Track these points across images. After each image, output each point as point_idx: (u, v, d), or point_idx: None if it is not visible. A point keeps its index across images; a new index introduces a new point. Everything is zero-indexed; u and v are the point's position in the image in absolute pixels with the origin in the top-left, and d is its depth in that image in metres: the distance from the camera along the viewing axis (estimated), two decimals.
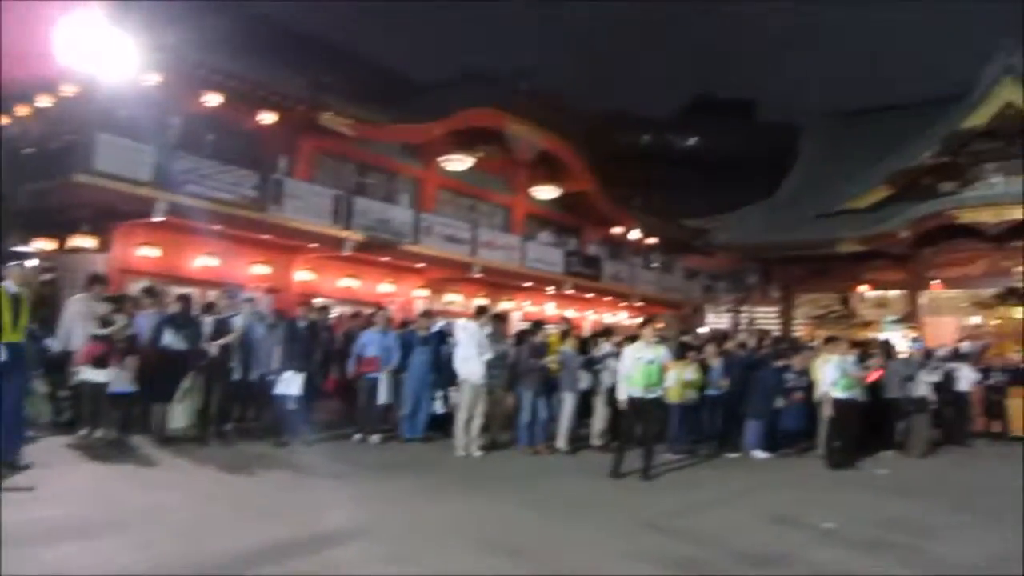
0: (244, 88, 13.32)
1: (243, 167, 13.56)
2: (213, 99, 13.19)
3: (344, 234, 14.99)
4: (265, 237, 14.17)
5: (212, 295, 10.47)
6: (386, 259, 16.34)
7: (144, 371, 8.25)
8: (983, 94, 22.37)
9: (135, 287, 13.06)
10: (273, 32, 17.45)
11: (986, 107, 22.31)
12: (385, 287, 17.29)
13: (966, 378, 13.36)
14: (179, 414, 8.62)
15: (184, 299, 9.28)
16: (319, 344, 10.13)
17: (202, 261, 13.98)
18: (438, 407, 10.38)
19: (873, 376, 11.39)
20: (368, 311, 11.86)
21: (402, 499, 7.02)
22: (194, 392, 8.67)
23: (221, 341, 8.81)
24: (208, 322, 8.91)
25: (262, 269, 14.90)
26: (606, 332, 11.29)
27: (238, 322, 9.06)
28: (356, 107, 15.21)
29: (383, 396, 9.86)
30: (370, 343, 9.88)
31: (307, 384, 9.08)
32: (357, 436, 9.80)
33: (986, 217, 19.81)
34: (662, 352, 8.81)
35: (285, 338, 9.30)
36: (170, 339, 8.46)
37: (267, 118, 14.16)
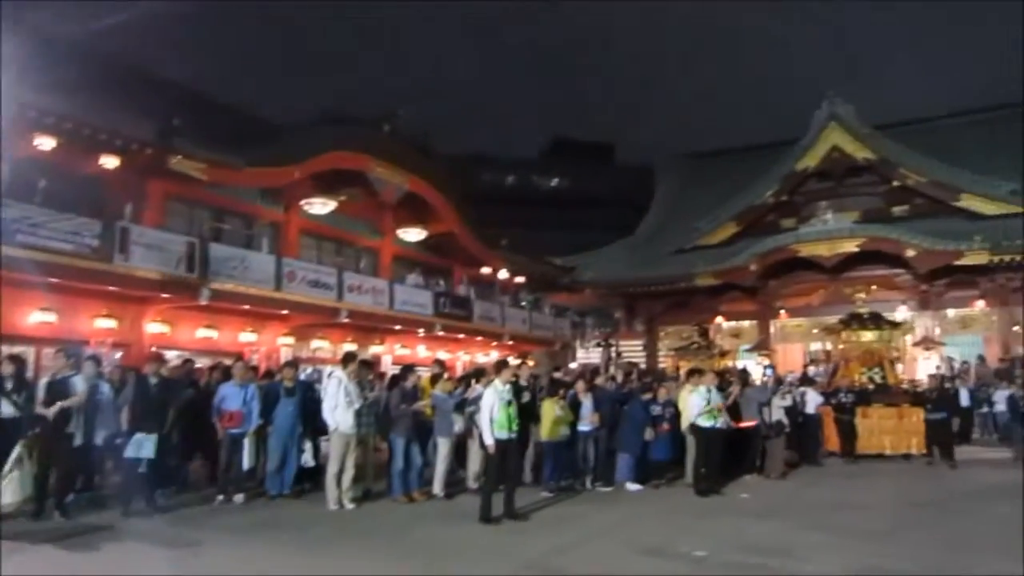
0: (82, 131, 12.43)
1: (84, 214, 12.59)
2: (45, 143, 12.26)
3: (199, 282, 14.22)
4: (110, 289, 13.18)
5: (49, 353, 9.55)
6: (247, 307, 15.63)
7: None
8: (813, 139, 24.55)
9: None
10: (121, 73, 16.55)
11: (816, 150, 24.51)
12: (247, 336, 16.52)
13: (812, 401, 14.27)
14: (10, 487, 7.71)
15: (15, 360, 8.44)
16: (172, 401, 9.46)
17: (37, 317, 12.83)
18: (307, 460, 9.95)
19: (741, 422, 11.91)
20: (228, 362, 11.29)
21: (264, 563, 6.60)
22: (27, 462, 7.81)
23: (59, 404, 8.02)
24: (42, 384, 8.11)
25: (107, 323, 13.85)
26: (479, 373, 11.21)
27: (78, 382, 8.31)
28: (210, 150, 14.57)
29: (247, 457, 9.32)
30: (229, 397, 9.35)
31: (160, 445, 8.43)
32: (219, 497, 9.20)
33: (822, 251, 21.48)
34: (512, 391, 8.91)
35: (134, 397, 8.61)
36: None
37: (111, 162, 13.29)
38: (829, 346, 23.67)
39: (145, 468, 8.32)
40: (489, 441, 8.42)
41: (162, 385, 8.88)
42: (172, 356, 13.26)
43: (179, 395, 9.35)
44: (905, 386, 16.11)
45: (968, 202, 22.35)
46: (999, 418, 15.66)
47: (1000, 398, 15.61)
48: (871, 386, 15.87)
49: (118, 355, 12.94)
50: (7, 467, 7.65)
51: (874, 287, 20.00)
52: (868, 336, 16.97)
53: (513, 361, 11.36)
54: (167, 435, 8.68)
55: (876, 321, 17.17)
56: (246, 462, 9.33)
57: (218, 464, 9.68)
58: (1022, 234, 19.92)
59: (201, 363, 13.04)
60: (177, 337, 15.13)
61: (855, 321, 17.19)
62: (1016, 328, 21.09)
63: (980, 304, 21.77)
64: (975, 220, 21.80)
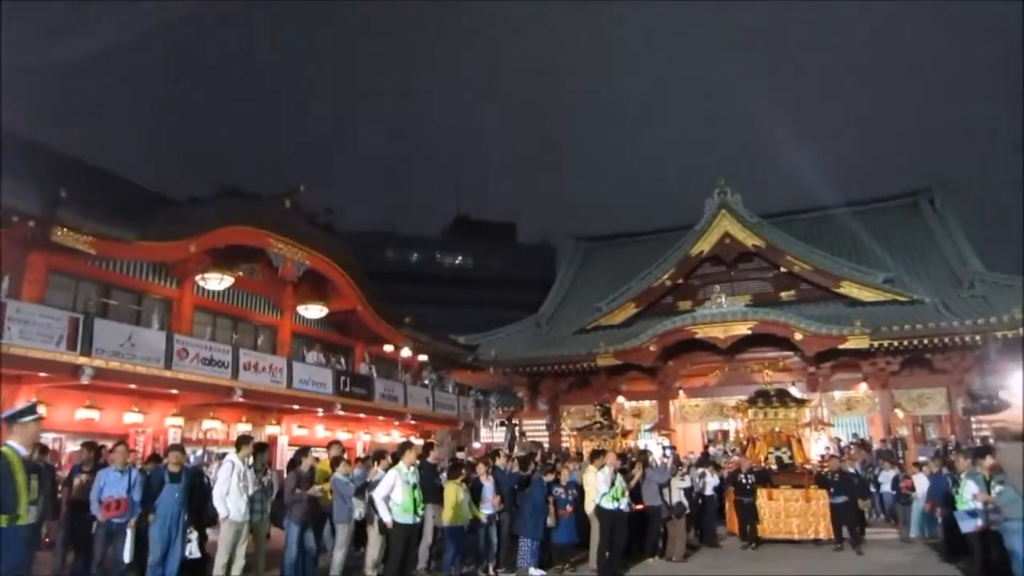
0: None
1: None
2: None
3: (82, 360, 13.41)
4: None
5: None
6: (134, 386, 14.80)
7: None
8: (706, 225, 25.84)
9: None
10: (1, 141, 15.78)
11: (709, 236, 25.77)
12: (132, 416, 15.58)
13: (710, 483, 14.43)
14: None
15: None
16: (49, 489, 8.74)
17: None
18: (192, 550, 9.32)
19: (640, 504, 11.94)
20: (108, 445, 10.57)
21: None
22: None
23: None
24: None
25: None
26: (380, 455, 10.90)
27: None
28: (97, 222, 13.98)
29: (127, 549, 8.66)
30: (110, 483, 8.72)
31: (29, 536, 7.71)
32: None
33: (716, 332, 22.26)
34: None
35: None
36: None
37: None
38: (727, 426, 24.47)
39: (8, 567, 7.58)
40: (387, 518, 8.22)
41: (29, 471, 8.19)
42: (48, 439, 12.38)
43: (51, 482, 8.63)
44: (808, 467, 15.66)
45: (848, 289, 23.83)
46: (885, 499, 15.92)
47: (886, 479, 15.85)
48: (774, 466, 15.53)
49: None
50: None
51: (767, 369, 20.59)
52: (775, 414, 16.54)
53: (417, 442, 11.15)
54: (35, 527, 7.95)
55: (783, 398, 16.79)
56: (127, 555, 8.66)
57: (91, 557, 8.96)
58: (899, 320, 21.31)
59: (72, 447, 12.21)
60: (54, 419, 14.12)
61: (761, 399, 16.87)
62: (897, 410, 22.28)
63: (863, 387, 22.93)
64: (855, 306, 23.22)
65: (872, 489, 16.02)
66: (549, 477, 11.50)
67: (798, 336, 21.27)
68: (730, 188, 26.01)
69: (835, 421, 22.36)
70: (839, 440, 20.93)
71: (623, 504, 10.88)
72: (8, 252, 13.30)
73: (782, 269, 25.13)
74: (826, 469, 14.45)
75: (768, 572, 11.35)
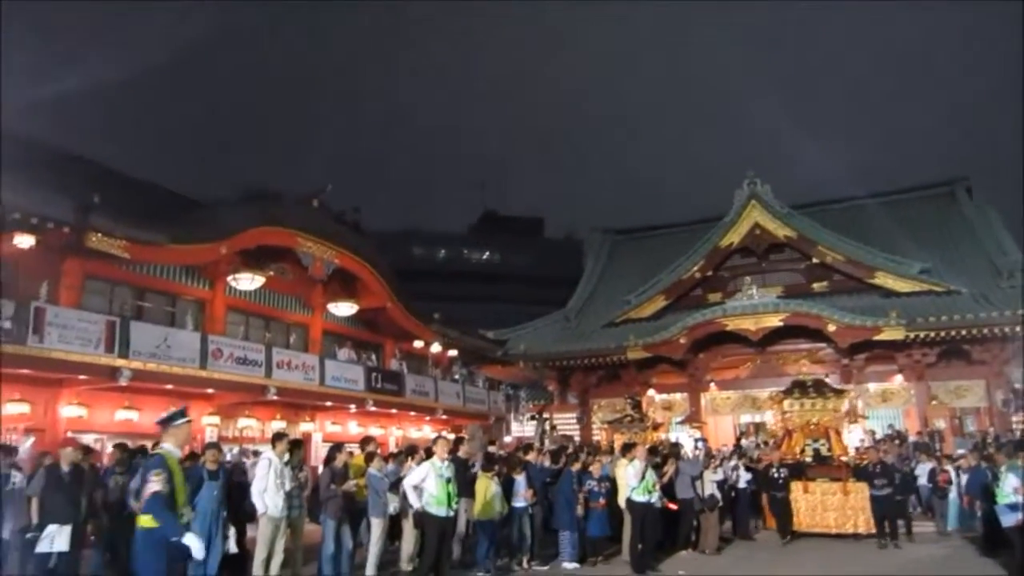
0: None
1: None
2: None
3: (120, 362, 13.69)
4: (23, 372, 12.56)
5: None
6: (170, 386, 15.07)
7: None
8: (735, 217, 25.54)
9: None
10: (37, 152, 16.13)
11: (739, 228, 25.46)
12: None
13: (743, 476, 14.24)
14: None
15: None
16: (85, 490, 8.94)
17: None
18: (231, 546, 9.48)
19: (672, 503, 11.91)
20: (147, 445, 10.78)
21: None
22: None
23: None
24: None
25: (19, 408, 13.13)
26: (412, 450, 11.01)
27: None
28: (131, 228, 14.25)
29: None
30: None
31: (74, 537, 7.93)
32: None
33: (747, 325, 21.96)
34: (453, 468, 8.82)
35: (45, 486, 8.12)
36: None
37: (24, 242, 12.83)
38: (759, 418, 24.25)
39: (56, 562, 7.80)
40: (416, 504, 8.41)
41: (75, 473, 8.41)
42: (90, 440, 12.65)
43: (94, 483, 8.84)
44: (845, 459, 14.84)
45: (882, 280, 23.38)
46: (921, 492, 15.59)
47: (922, 472, 15.55)
48: (809, 459, 15.18)
49: (30, 441, 12.24)
50: None
51: (804, 359, 20.11)
52: (812, 405, 15.93)
53: (449, 436, 11.24)
54: (81, 526, 8.17)
55: (820, 389, 16.13)
56: None
57: (130, 556, 9.15)
58: (935, 311, 20.92)
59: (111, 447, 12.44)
60: (95, 420, 14.45)
61: (798, 389, 16.25)
62: (933, 402, 21.90)
63: (899, 379, 22.54)
64: (890, 297, 22.81)
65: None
66: (576, 466, 11.50)
67: (831, 328, 20.96)
68: (759, 179, 25.69)
69: (869, 414, 22.01)
70: (873, 432, 20.65)
71: (654, 497, 10.88)
72: (45, 259, 13.63)
73: (814, 260, 24.75)
74: (866, 461, 14.07)
75: (799, 566, 11.24)
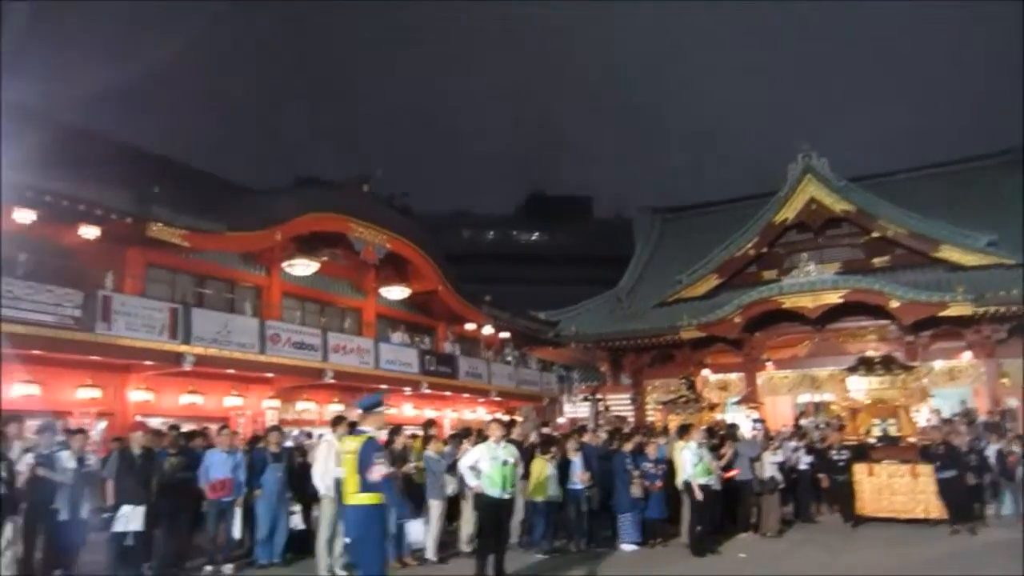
0: (59, 204, 12.38)
1: (64, 285, 12.49)
2: (25, 216, 12.21)
3: (183, 348, 14.08)
4: (93, 358, 13.02)
5: (31, 426, 9.31)
6: (231, 371, 15.45)
7: None
8: (790, 191, 24.92)
9: None
10: (93, 144, 16.57)
11: (793, 203, 24.86)
12: (232, 400, 16.29)
13: (803, 457, 13.96)
14: (6, 566, 7.47)
15: None
16: (156, 471, 9.19)
17: (20, 390, 12.61)
18: (297, 522, 9.74)
19: (725, 464, 11.79)
20: (213, 428, 11.08)
21: None
22: (15, 540, 7.58)
23: (43, 474, 7.79)
24: (27, 460, 7.88)
25: (91, 393, 13.64)
26: (465, 433, 11.08)
27: (65, 457, 8.10)
28: (189, 217, 14.58)
29: (236, 527, 9.12)
30: (216, 464, 9.15)
31: (147, 517, 8.20)
32: (208, 568, 8.94)
33: (805, 302, 21.46)
34: (513, 451, 8.77)
35: (119, 469, 8.41)
36: None
37: (89, 233, 13.25)
38: (818, 398, 23.77)
39: (132, 541, 8.09)
40: (472, 483, 8.43)
41: (146, 455, 8.68)
42: (156, 423, 13.04)
43: (163, 465, 9.08)
44: (914, 440, 14.25)
45: (948, 253, 22.57)
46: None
47: (992, 452, 15.21)
48: (873, 440, 14.55)
49: (102, 425, 12.71)
50: (3, 545, 7.43)
51: (870, 335, 19.12)
52: (880, 383, 15.10)
53: (504, 418, 11.26)
54: (153, 506, 8.43)
55: (888, 366, 15.24)
56: (237, 531, 9.13)
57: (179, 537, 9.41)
58: (1004, 285, 20.11)
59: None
60: (161, 404, 14.91)
61: (864, 366, 15.42)
62: (1004, 380, 21.12)
63: (967, 356, 21.78)
64: (956, 271, 22.01)
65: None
66: (628, 446, 11.41)
67: (894, 304, 20.35)
68: (814, 152, 25.01)
69: (936, 393, 21.34)
70: (939, 411, 20.05)
71: (711, 479, 10.76)
72: (109, 249, 14.05)
73: (874, 234, 24.04)
74: (929, 441, 13.39)
75: (862, 550, 11.02)
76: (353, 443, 5.85)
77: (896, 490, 13.28)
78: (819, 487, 14.15)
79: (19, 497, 7.71)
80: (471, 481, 8.48)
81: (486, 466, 8.34)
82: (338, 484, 6.64)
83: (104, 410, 13.90)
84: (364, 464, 5.67)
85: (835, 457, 13.58)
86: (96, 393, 13.70)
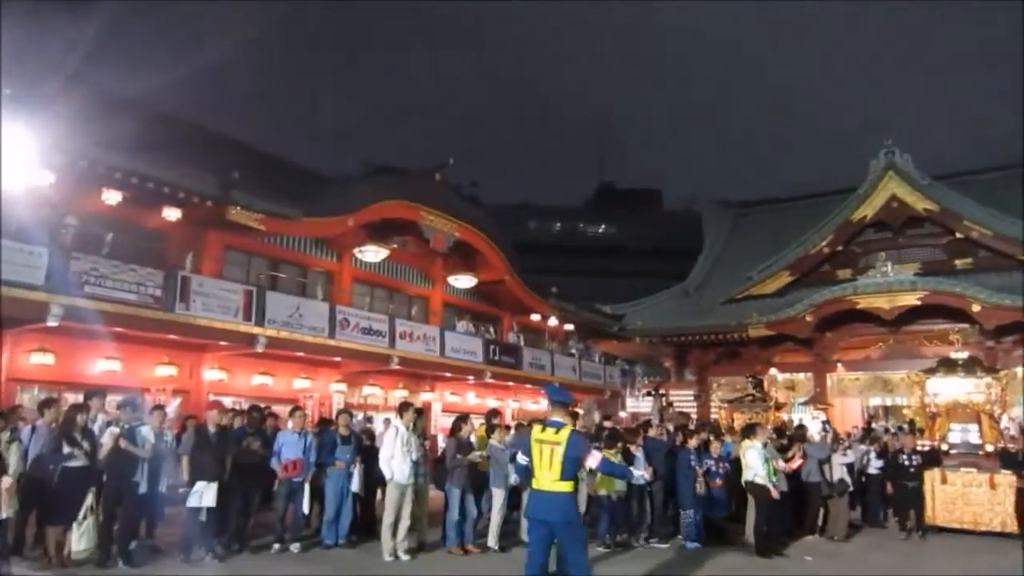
0: (145, 186, 12.84)
1: (146, 266, 12.97)
2: (112, 197, 12.71)
3: (256, 330, 14.47)
4: (171, 337, 13.50)
5: (113, 402, 9.73)
6: (301, 354, 15.83)
7: (30, 492, 7.61)
8: (871, 188, 24.10)
9: (28, 397, 12.23)
10: (176, 129, 17.15)
11: (873, 200, 24.03)
12: (301, 382, 16.70)
13: (874, 461, 13.54)
14: (82, 536, 7.83)
15: (80, 409, 8.52)
16: (230, 449, 9.46)
17: (102, 366, 13.18)
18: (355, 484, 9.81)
19: (795, 464, 11.53)
20: (282, 410, 11.38)
21: None
22: (96, 510, 7.94)
23: (125, 447, 8.10)
24: (111, 433, 8.22)
25: (168, 371, 14.18)
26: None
27: (145, 432, 8.43)
28: (266, 202, 14.97)
29: (306, 503, 9.37)
30: (288, 444, 9.39)
31: (220, 493, 8.47)
32: (276, 546, 9.18)
33: (881, 303, 20.78)
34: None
35: (195, 445, 8.70)
36: (67, 454, 7.75)
37: (171, 215, 13.71)
38: (889, 402, 23.01)
39: (206, 516, 8.37)
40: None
41: (221, 434, 8.95)
42: (228, 402, 13.48)
43: (238, 443, 9.35)
44: (1002, 446, 13.43)
45: None
46: None
47: None
48: (947, 447, 13.96)
49: (177, 402, 13.18)
50: (80, 515, 7.78)
51: (956, 335, 17.73)
52: (961, 386, 14.37)
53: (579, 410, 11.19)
54: (227, 483, 8.70)
55: (971, 368, 14.51)
56: (305, 503, 9.39)
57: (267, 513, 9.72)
58: None
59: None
60: (233, 384, 15.38)
61: (944, 367, 14.72)
62: None
63: None
64: None
65: None
66: (692, 443, 11.25)
67: (976, 308, 19.52)
68: (897, 148, 24.10)
69: (1016, 401, 20.43)
70: (1018, 419, 19.17)
71: (777, 480, 10.54)
72: (189, 231, 14.54)
73: (957, 235, 23.09)
74: (1014, 448, 12.64)
75: (932, 557, 10.62)
76: (552, 434, 6.07)
77: (971, 500, 12.56)
78: (886, 493, 13.63)
79: (101, 469, 8.04)
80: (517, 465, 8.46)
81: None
82: (523, 469, 7.00)
83: (179, 388, 14.43)
84: (579, 453, 6.07)
85: (905, 462, 12.80)
86: (172, 371, 14.23)
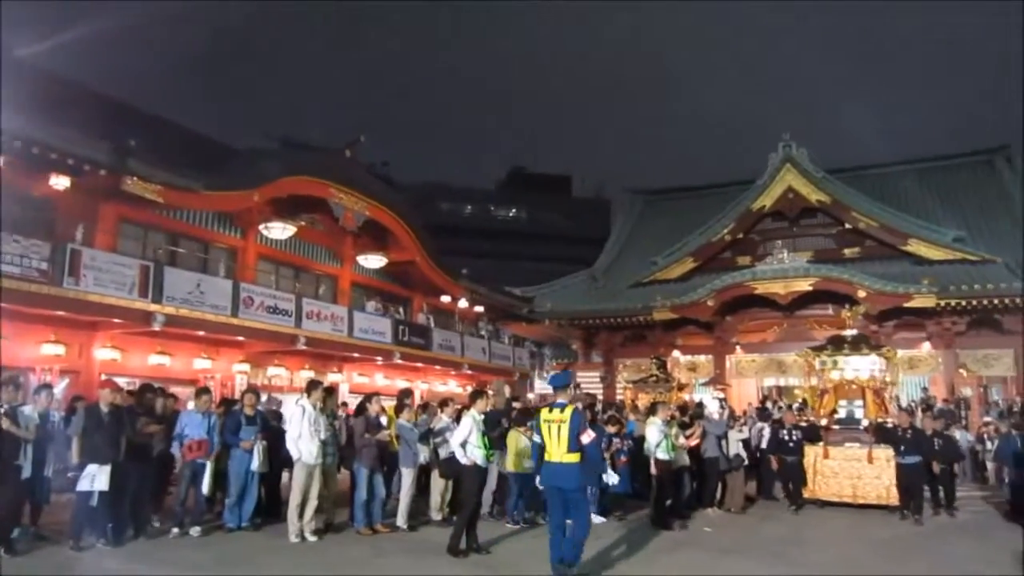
0: (29, 150, 11.99)
1: (32, 237, 12.12)
2: None
3: (153, 307, 13.82)
4: (59, 313, 12.71)
5: None
6: (202, 333, 15.22)
7: None
8: (769, 180, 25.16)
9: None
10: (71, 93, 16.13)
11: (772, 191, 25.12)
12: (202, 363, 16.08)
13: (767, 437, 14.09)
14: None
15: None
16: (124, 431, 9.00)
17: None
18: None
19: (694, 441, 11.97)
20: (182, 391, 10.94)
21: None
22: None
23: (7, 428, 7.60)
24: None
25: (55, 349, 13.34)
26: (444, 403, 11.07)
27: (28, 412, 7.93)
28: (166, 173, 14.27)
29: (207, 484, 9.03)
30: (192, 425, 9.03)
31: (114, 477, 8.06)
32: (175, 530, 8.83)
33: (777, 289, 21.79)
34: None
35: (86, 427, 8.22)
36: None
37: (60, 183, 12.85)
38: (783, 382, 24.16)
39: (97, 501, 7.96)
40: (465, 460, 8.45)
41: (114, 414, 8.50)
42: (123, 383, 12.86)
43: (133, 424, 8.91)
44: (881, 421, 13.80)
45: (915, 247, 23.06)
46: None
47: (961, 439, 15.24)
48: (826, 421, 14.30)
49: (65, 382, 12.45)
50: None
51: (848, 315, 18.51)
52: (848, 362, 14.56)
53: (489, 391, 11.26)
54: (121, 466, 8.29)
55: (858, 346, 14.69)
56: (206, 485, 9.05)
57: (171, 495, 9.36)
58: (967, 280, 20.62)
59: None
60: (128, 364, 14.66)
61: (832, 345, 14.93)
62: (961, 370, 21.71)
63: (926, 346, 22.35)
64: (922, 265, 22.52)
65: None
66: (612, 429, 11.57)
67: (862, 294, 20.69)
68: (795, 142, 25.22)
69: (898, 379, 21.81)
70: (898, 398, 20.48)
71: (674, 456, 10.96)
72: (80, 201, 13.70)
73: (847, 225, 24.42)
74: (894, 423, 13.05)
75: (822, 525, 11.28)
76: (559, 414, 7.02)
77: (851, 474, 13.02)
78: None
79: None
80: (462, 458, 8.47)
81: (475, 437, 8.47)
82: (537, 448, 7.68)
83: (68, 367, 13.63)
84: (576, 430, 6.91)
85: (785, 438, 13.26)
86: (60, 350, 13.41)
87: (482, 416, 8.84)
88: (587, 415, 12.42)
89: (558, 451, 6.96)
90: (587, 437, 6.98)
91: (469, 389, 20.20)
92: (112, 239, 14.81)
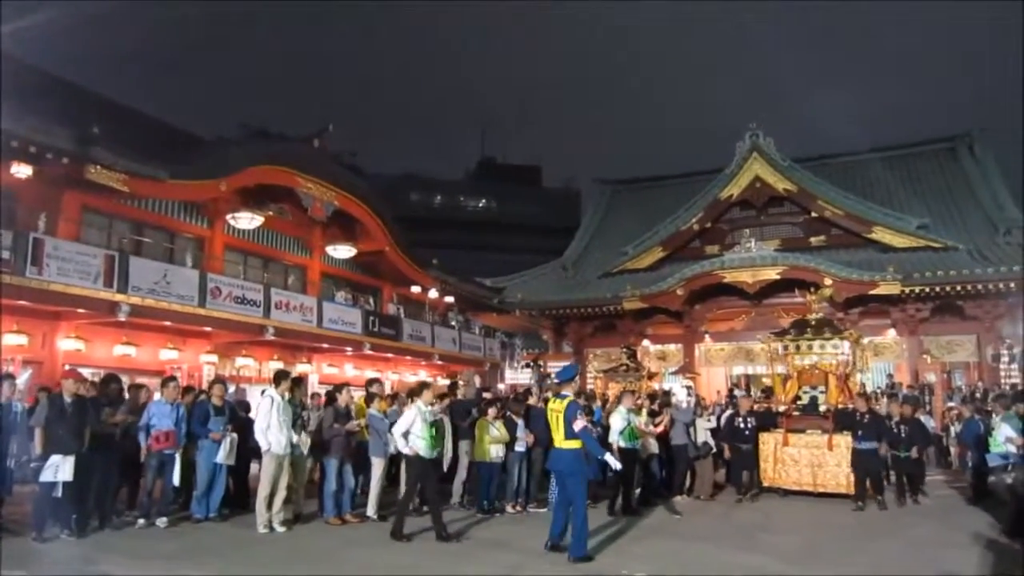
0: None
1: None
2: None
3: (119, 297, 13.61)
4: (21, 303, 12.47)
5: None
6: (168, 323, 15.03)
7: None
8: (736, 169, 25.41)
9: None
10: (34, 80, 15.76)
11: (739, 180, 25.39)
12: (168, 353, 15.89)
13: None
14: None
15: None
16: (89, 421, 8.87)
17: None
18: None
19: (660, 428, 12.06)
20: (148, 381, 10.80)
21: None
22: None
23: None
24: None
25: (17, 339, 13.11)
26: (413, 393, 11.03)
27: None
28: (131, 161, 14.02)
29: (176, 475, 8.95)
30: (160, 415, 8.92)
31: (78, 467, 7.96)
32: (141, 521, 8.74)
33: (744, 277, 22.05)
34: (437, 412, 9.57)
35: (49, 417, 8.10)
36: None
37: (21, 171, 12.60)
38: (751, 370, 24.47)
39: (61, 492, 7.85)
40: (404, 449, 8.65)
41: (78, 404, 8.38)
42: (87, 374, 12.67)
43: (97, 415, 8.78)
44: (842, 407, 13.12)
45: (880, 235, 23.47)
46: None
47: (928, 423, 15.57)
48: (790, 408, 13.84)
49: (28, 373, 12.24)
50: None
51: (813, 300, 18.49)
52: (809, 347, 14.03)
53: (443, 381, 11.32)
54: (85, 456, 8.18)
55: (821, 329, 14.13)
56: (176, 476, 8.97)
57: (137, 486, 9.25)
58: (931, 267, 21.04)
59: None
60: (93, 354, 14.45)
61: (796, 329, 14.42)
62: (925, 356, 22.17)
63: (891, 333, 22.77)
64: (887, 252, 22.92)
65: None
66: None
67: (828, 282, 20.99)
68: (762, 131, 25.48)
69: (862, 368, 22.17)
70: (863, 385, 20.78)
71: (637, 444, 11.05)
72: (43, 190, 13.44)
73: (813, 214, 24.78)
74: (851, 407, 12.53)
75: (788, 510, 11.44)
76: (560, 404, 7.69)
77: (811, 462, 12.58)
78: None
79: None
80: (403, 448, 8.63)
81: (419, 428, 8.56)
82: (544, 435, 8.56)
83: (31, 358, 13.40)
84: (570, 418, 7.53)
85: (740, 425, 12.63)
86: (22, 340, 13.18)
87: (430, 407, 9.04)
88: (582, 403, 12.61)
89: (559, 438, 7.70)
90: (578, 424, 7.53)
91: (440, 380, 20.24)
92: (76, 228, 14.56)
